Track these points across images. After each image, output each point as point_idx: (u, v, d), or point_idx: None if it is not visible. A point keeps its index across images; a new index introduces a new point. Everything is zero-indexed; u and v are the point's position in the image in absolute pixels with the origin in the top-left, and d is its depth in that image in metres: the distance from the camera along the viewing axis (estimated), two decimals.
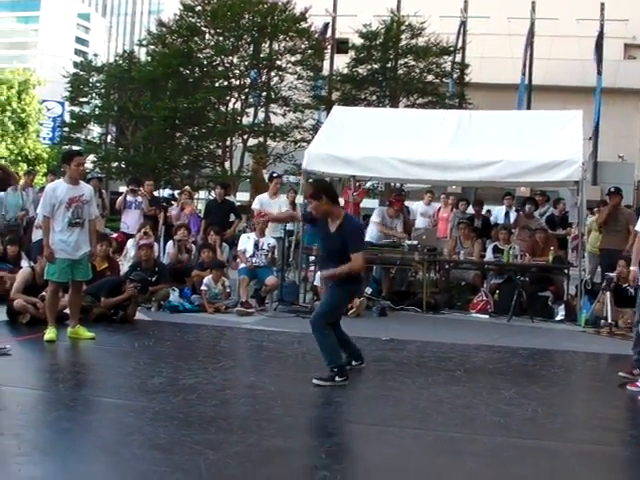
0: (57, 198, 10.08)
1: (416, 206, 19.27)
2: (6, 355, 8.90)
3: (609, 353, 11.32)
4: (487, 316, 14.40)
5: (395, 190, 21.40)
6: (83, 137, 43.75)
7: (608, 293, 12.85)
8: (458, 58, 39.19)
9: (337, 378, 8.18)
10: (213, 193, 21.48)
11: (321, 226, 8.84)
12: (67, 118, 48.37)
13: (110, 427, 6.46)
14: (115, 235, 16.39)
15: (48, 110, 57.90)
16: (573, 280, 14.82)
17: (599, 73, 38.81)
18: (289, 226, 15.33)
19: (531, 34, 40.21)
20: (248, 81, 36.25)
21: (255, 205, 15.70)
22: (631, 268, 9.37)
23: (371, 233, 15.78)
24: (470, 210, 18.45)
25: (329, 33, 40.98)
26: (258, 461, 5.65)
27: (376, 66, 36.38)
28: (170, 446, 5.77)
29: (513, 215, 17.50)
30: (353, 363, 8.95)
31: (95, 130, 49.12)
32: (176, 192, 23.51)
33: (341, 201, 18.91)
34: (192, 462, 5.41)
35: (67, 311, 10.70)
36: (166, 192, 20.79)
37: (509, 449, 6.24)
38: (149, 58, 38.71)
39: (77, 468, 5.38)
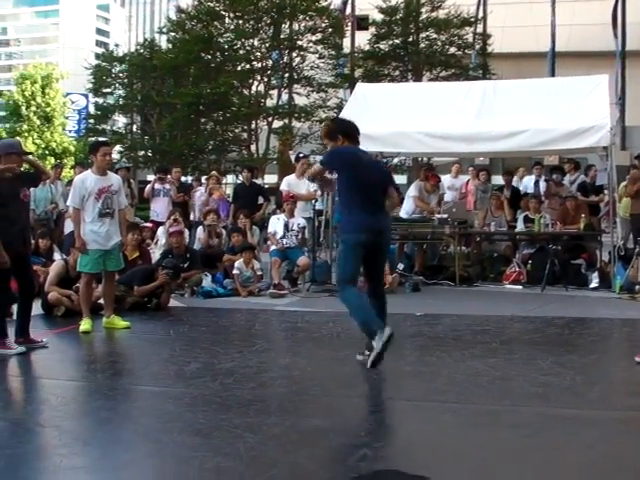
0: (86, 189, 10.12)
1: (444, 179, 19.17)
2: (44, 348, 8.98)
3: None
4: (520, 287, 14.35)
5: (423, 165, 21.28)
6: (109, 128, 43.91)
7: None
8: (479, 29, 38.88)
9: (373, 342, 7.53)
10: (241, 177, 21.52)
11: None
12: (92, 110, 48.59)
13: (149, 415, 6.49)
14: (149, 225, 16.44)
15: (72, 103, 58.22)
16: (606, 246, 14.72)
17: (615, 36, 38.26)
18: (318, 205, 15.33)
19: (553, 1, 39.77)
20: (270, 63, 36.22)
21: (283, 186, 15.67)
22: None
23: (406, 207, 15.76)
24: (499, 181, 18.34)
25: (349, 10, 40.76)
26: (297, 442, 5.66)
27: (397, 41, 36.22)
28: (209, 431, 5.78)
29: (543, 184, 17.36)
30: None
31: (120, 120, 49.32)
32: (190, 178, 23.61)
33: None
34: (232, 446, 5.42)
35: (101, 301, 10.77)
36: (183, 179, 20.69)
37: (548, 419, 6.20)
38: (170, 45, 38.77)
39: (118, 457, 5.41)
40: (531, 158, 19.09)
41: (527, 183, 18.02)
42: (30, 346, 8.91)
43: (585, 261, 15.01)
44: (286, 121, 36.21)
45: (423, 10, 35.76)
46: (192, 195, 17.61)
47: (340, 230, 7.94)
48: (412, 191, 15.97)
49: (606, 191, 15.61)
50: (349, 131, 8.21)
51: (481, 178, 17.80)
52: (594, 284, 14.09)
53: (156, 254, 14.23)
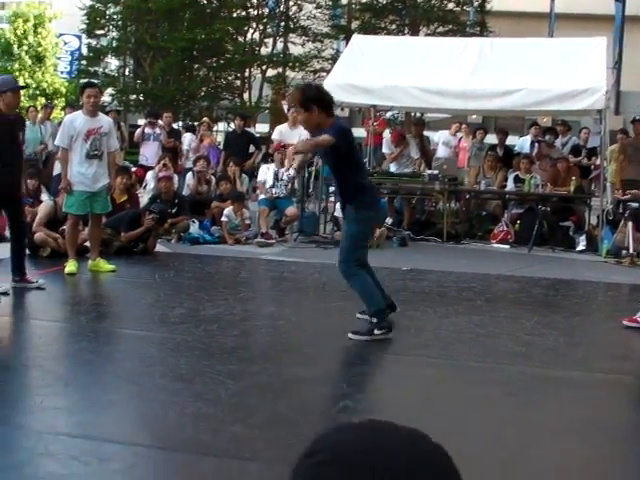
0: (75, 129, 10.02)
1: (438, 136, 19.09)
2: (40, 289, 8.95)
3: (630, 283, 11.25)
4: (508, 246, 14.33)
5: (415, 120, 21.17)
6: (101, 70, 43.51)
7: (630, 223, 12.76)
8: None
9: (376, 331, 7.11)
10: (232, 124, 21.37)
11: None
12: (84, 51, 48.12)
13: (131, 358, 6.49)
14: (134, 169, 16.34)
15: (65, 44, 57.50)
16: (595, 210, 14.73)
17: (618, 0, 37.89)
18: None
19: None
20: (266, 11, 35.90)
21: (275, 136, 15.57)
22: None
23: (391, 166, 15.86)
24: (492, 139, 18.27)
25: None
26: (279, 391, 5.67)
27: None
28: (191, 376, 5.79)
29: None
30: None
31: (113, 63, 48.86)
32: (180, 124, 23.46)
33: (362, 131, 18.87)
34: (213, 392, 5.43)
35: (87, 244, 10.71)
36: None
37: (530, 378, 6.23)
38: None
39: (99, 398, 5.41)
40: (524, 118, 19.00)
41: (522, 143, 17.92)
42: (26, 285, 8.90)
43: (573, 223, 15.02)
44: (280, 70, 35.96)
45: None
46: (181, 141, 17.52)
47: (358, 205, 7.23)
48: (384, 148, 16.14)
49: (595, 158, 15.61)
50: (326, 101, 7.23)
51: (478, 136, 17.71)
52: (581, 247, 14.07)
53: (144, 198, 14.17)
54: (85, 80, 37.53)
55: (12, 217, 9.14)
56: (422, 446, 1.25)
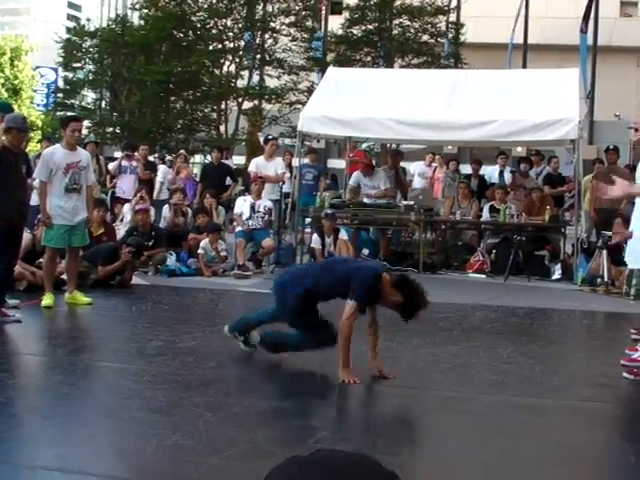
0: (55, 163, 10.07)
1: (414, 167, 19.25)
2: (17, 322, 8.95)
3: (605, 311, 11.39)
4: (484, 276, 14.44)
5: (391, 151, 21.32)
6: (77, 103, 43.56)
7: (604, 252, 12.88)
8: (453, 18, 38.86)
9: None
10: (209, 157, 21.46)
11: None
12: (61, 84, 48.15)
13: (109, 391, 6.49)
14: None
15: (41, 76, 57.55)
16: (569, 239, 14.85)
17: (582, 31, 38.06)
18: (285, 188, 15.35)
19: None
20: (242, 44, 36.09)
21: (251, 168, 15.66)
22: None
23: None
24: (467, 170, 18.42)
25: None
26: (256, 422, 5.68)
27: (371, 27, 36.13)
28: (169, 408, 5.79)
29: (507, 174, 17.50)
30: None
31: (89, 96, 48.93)
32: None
33: (338, 162, 18.99)
34: (191, 424, 5.43)
35: (64, 277, 10.71)
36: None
37: (506, 407, 6.27)
38: (142, 22, 38.53)
39: (77, 431, 5.40)
40: (499, 148, 19.17)
41: (491, 173, 18.11)
42: (3, 319, 8.87)
43: (549, 252, 15.16)
44: (256, 102, 36.11)
45: None
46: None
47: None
48: (350, 181, 16.35)
49: (571, 183, 15.75)
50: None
51: (451, 167, 17.91)
52: (556, 276, 14.21)
53: (121, 231, 14.18)
54: (61, 113, 37.62)
55: (9, 250, 9.14)
56: (373, 472, 1.27)
